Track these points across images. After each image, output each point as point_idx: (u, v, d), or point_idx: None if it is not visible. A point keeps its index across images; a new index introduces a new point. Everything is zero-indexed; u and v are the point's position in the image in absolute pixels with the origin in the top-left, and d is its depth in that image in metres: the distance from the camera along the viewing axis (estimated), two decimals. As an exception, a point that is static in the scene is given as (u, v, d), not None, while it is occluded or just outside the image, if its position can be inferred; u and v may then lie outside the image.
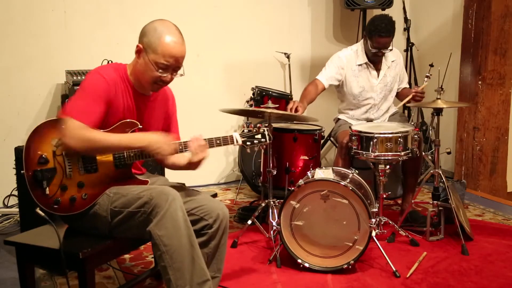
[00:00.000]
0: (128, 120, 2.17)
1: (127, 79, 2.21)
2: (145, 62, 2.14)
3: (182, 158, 2.33)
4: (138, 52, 2.17)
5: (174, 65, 2.16)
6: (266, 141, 2.39)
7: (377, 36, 3.41)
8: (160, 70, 2.14)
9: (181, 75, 2.23)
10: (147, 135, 2.15)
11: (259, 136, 2.37)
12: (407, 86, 3.81)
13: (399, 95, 3.77)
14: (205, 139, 2.22)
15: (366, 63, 3.58)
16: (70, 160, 2.06)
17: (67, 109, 2.07)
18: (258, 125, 2.42)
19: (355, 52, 3.61)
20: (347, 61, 3.59)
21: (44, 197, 2.02)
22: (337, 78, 3.60)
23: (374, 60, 3.58)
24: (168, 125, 2.41)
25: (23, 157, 2.01)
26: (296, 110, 3.27)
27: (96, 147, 2.06)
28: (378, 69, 3.61)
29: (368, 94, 3.62)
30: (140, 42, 2.17)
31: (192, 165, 2.26)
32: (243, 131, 2.37)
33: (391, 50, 3.53)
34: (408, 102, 3.48)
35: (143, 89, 2.25)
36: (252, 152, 3.86)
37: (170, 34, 2.14)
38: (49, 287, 2.67)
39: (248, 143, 2.34)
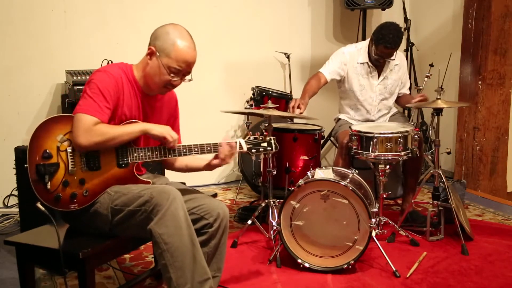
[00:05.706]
0: (133, 120, 2.18)
1: (134, 79, 2.22)
2: (157, 65, 2.16)
3: (200, 161, 2.36)
4: (150, 54, 2.18)
5: (185, 70, 2.19)
6: (272, 149, 2.38)
7: (382, 46, 3.41)
8: (172, 74, 2.17)
9: (190, 80, 2.25)
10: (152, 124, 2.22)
11: (265, 144, 2.36)
12: (408, 92, 3.81)
13: (399, 100, 3.76)
14: (209, 144, 2.23)
15: (367, 63, 3.58)
16: (73, 157, 2.07)
17: (79, 106, 2.08)
18: (265, 133, 2.41)
19: (359, 50, 3.61)
20: (350, 58, 3.59)
21: (45, 191, 2.03)
22: (340, 73, 3.60)
23: (376, 63, 3.58)
24: (171, 126, 2.41)
25: (27, 151, 2.01)
26: (298, 107, 3.27)
27: (108, 140, 2.07)
28: (379, 70, 3.61)
29: (367, 94, 3.62)
30: (152, 45, 2.19)
31: (211, 167, 2.32)
32: (248, 138, 2.35)
33: (393, 60, 3.55)
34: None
35: (150, 90, 2.26)
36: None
37: (184, 39, 2.16)
38: (49, 287, 2.67)
39: (253, 150, 2.34)
